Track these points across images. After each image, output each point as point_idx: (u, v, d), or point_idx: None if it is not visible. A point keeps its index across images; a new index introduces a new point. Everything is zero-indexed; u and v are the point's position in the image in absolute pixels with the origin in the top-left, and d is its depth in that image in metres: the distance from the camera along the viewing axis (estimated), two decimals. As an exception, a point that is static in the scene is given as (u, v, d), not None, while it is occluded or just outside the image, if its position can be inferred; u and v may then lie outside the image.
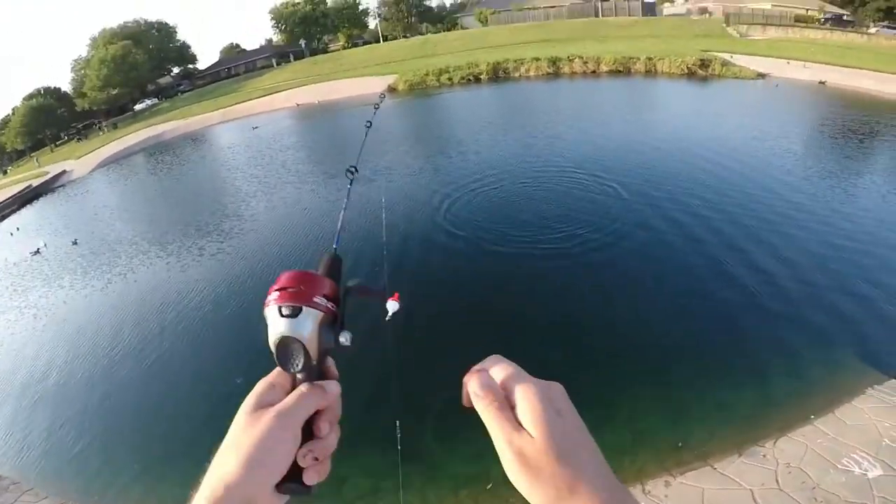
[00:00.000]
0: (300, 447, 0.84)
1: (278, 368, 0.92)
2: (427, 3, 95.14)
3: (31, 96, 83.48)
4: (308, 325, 0.88)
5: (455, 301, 11.65)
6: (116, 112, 73.18)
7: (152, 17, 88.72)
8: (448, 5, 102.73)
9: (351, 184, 1.19)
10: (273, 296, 0.89)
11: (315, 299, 0.90)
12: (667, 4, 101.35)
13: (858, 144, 21.44)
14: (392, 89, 47.16)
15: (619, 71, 43.76)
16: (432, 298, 11.57)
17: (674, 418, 7.96)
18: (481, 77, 46.48)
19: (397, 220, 15.67)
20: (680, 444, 7.57)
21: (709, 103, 31.59)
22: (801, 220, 13.76)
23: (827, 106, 30.25)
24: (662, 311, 10.56)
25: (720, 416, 7.91)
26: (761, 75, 39.36)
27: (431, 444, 8.01)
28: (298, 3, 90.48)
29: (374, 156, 23.36)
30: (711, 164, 18.11)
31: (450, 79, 46.64)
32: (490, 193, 16.82)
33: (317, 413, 0.88)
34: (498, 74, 46.65)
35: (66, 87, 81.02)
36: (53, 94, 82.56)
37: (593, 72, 44.54)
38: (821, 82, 36.47)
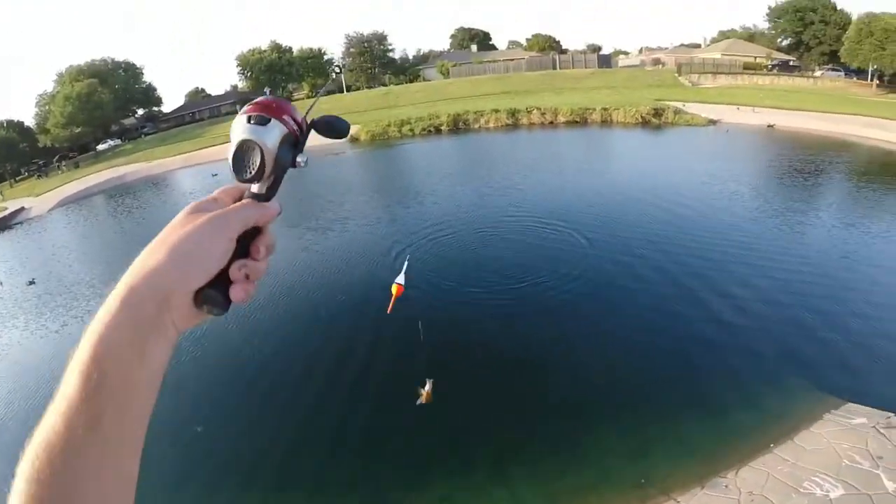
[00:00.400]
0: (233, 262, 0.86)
1: (223, 186, 0.97)
2: (390, 54, 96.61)
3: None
4: (273, 136, 0.93)
5: (411, 356, 11.24)
6: (79, 151, 72.44)
7: (120, 57, 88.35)
8: (410, 57, 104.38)
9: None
10: (245, 108, 0.95)
11: (284, 117, 0.96)
12: (621, 57, 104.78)
13: (804, 182, 22.77)
14: (354, 139, 47.63)
15: (576, 121, 44.95)
16: (391, 350, 11.63)
17: (636, 455, 8.11)
18: (442, 128, 47.16)
19: (351, 271, 15.92)
20: (643, 481, 7.76)
21: (662, 150, 32.89)
22: (749, 258, 14.42)
23: (775, 148, 31.93)
24: (621, 351, 10.83)
25: (682, 451, 8.12)
26: (712, 121, 41.02)
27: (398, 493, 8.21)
28: (265, 51, 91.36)
29: (334, 206, 23.72)
30: (664, 209, 18.81)
31: (411, 130, 47.17)
32: (446, 243, 17.09)
33: (255, 235, 0.90)
34: (458, 126, 47.49)
35: (30, 121, 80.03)
36: (16, 127, 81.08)
37: (551, 122, 45.65)
38: (769, 125, 38.39)
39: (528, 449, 8.28)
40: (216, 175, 38.90)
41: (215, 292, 0.82)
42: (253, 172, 0.91)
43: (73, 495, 0.65)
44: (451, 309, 13.06)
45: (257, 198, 0.93)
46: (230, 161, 0.92)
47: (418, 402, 3.32)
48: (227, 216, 0.84)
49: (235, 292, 0.84)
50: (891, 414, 8.04)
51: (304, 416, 9.88)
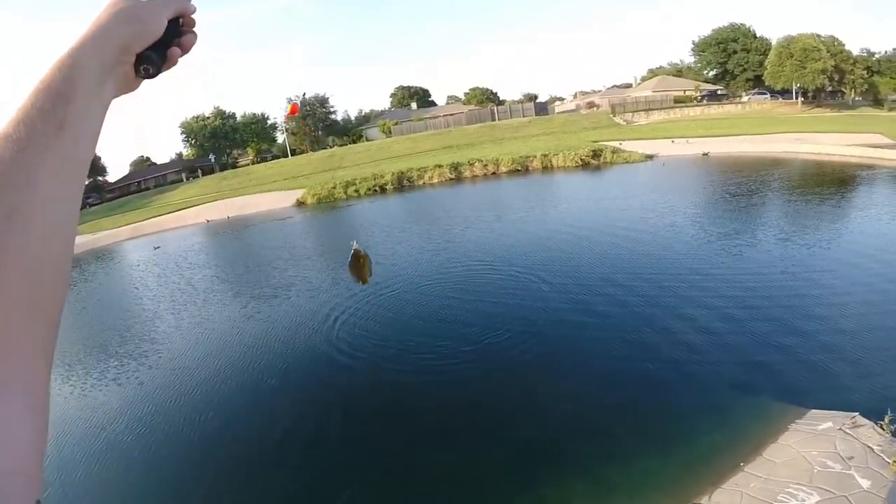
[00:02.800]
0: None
1: None
2: (332, 116, 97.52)
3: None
4: None
5: (363, 420, 11.31)
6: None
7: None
8: (353, 118, 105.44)
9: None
10: None
11: None
12: (557, 103, 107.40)
13: (739, 204, 23.73)
14: (301, 203, 47.79)
15: (518, 170, 46.04)
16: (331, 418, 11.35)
17: (603, 495, 7.92)
18: (387, 187, 47.58)
19: (292, 339, 15.77)
20: None
21: (601, 190, 33.48)
22: (694, 282, 14.89)
23: (711, 175, 33.27)
24: (577, 387, 10.84)
25: (650, 483, 7.95)
26: (649, 156, 42.64)
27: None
28: (209, 118, 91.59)
29: (278, 272, 23.87)
30: (609, 245, 19.34)
31: (356, 190, 47.49)
32: (390, 303, 17.07)
33: (177, 25, 1.04)
34: (403, 183, 47.97)
35: None
36: None
37: (493, 173, 46.66)
38: (704, 154, 40.45)
39: (490, 490, 8.28)
40: (158, 247, 38.62)
41: (154, 54, 0.97)
42: None
43: (28, 185, 0.70)
44: (394, 373, 12.85)
45: None
46: None
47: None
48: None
49: (172, 52, 1.02)
50: (855, 414, 8.17)
51: (255, 490, 9.78)
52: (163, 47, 0.99)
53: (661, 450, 8.53)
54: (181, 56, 1.04)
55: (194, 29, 1.08)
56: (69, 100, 0.78)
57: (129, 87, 0.98)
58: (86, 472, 11.32)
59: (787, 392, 9.43)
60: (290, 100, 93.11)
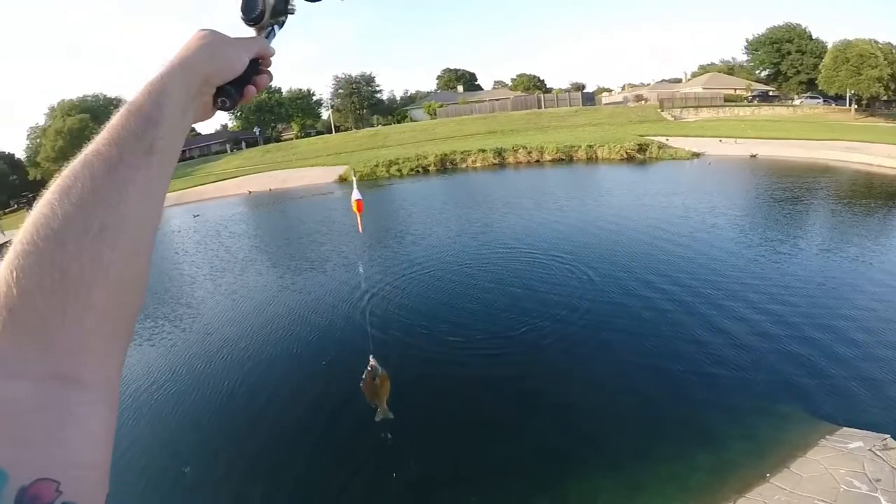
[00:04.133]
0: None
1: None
2: (378, 95, 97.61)
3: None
4: None
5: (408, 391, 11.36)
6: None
7: (112, 93, 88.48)
8: (398, 98, 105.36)
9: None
10: None
11: None
12: (605, 94, 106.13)
13: (791, 211, 22.89)
14: (342, 179, 47.93)
15: (562, 159, 45.45)
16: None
17: (629, 495, 7.87)
18: (429, 168, 47.53)
19: (325, 313, 15.79)
20: None
21: (644, 185, 32.77)
22: (730, 288, 14.48)
23: (758, 177, 32.24)
24: (608, 387, 10.66)
25: (676, 487, 7.89)
26: (696, 154, 41.49)
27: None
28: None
29: (315, 246, 24.22)
30: (645, 242, 19.00)
31: (399, 170, 47.51)
32: (424, 283, 17.13)
33: (257, 63, 1.11)
34: (445, 166, 47.87)
35: (21, 154, 79.73)
36: (7, 159, 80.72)
37: (537, 161, 46.20)
38: (752, 156, 39.24)
39: (515, 493, 8.13)
40: (197, 216, 39.27)
41: (233, 89, 1.03)
42: (255, 14, 1.15)
43: (121, 202, 0.73)
44: (426, 351, 12.81)
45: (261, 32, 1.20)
46: (240, 4, 1.17)
47: (378, 416, 2.81)
48: (250, 40, 1.10)
49: (249, 90, 1.07)
50: (886, 436, 7.97)
51: (279, 457, 9.77)
52: (241, 83, 1.06)
53: (689, 454, 8.43)
54: (255, 94, 1.11)
55: (270, 70, 1.16)
56: (158, 124, 0.82)
57: (206, 115, 1.04)
58: (143, 411, 11.66)
59: (819, 407, 9.23)
60: (336, 77, 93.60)
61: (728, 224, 21.06)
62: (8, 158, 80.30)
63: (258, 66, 1.11)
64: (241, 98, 1.06)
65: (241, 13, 1.16)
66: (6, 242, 40.02)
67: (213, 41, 0.98)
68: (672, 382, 10.55)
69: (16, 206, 64.97)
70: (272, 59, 1.17)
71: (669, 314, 13.40)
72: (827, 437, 8.27)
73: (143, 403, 12.21)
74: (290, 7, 1.23)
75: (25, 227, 0.69)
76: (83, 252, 0.68)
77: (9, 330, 0.62)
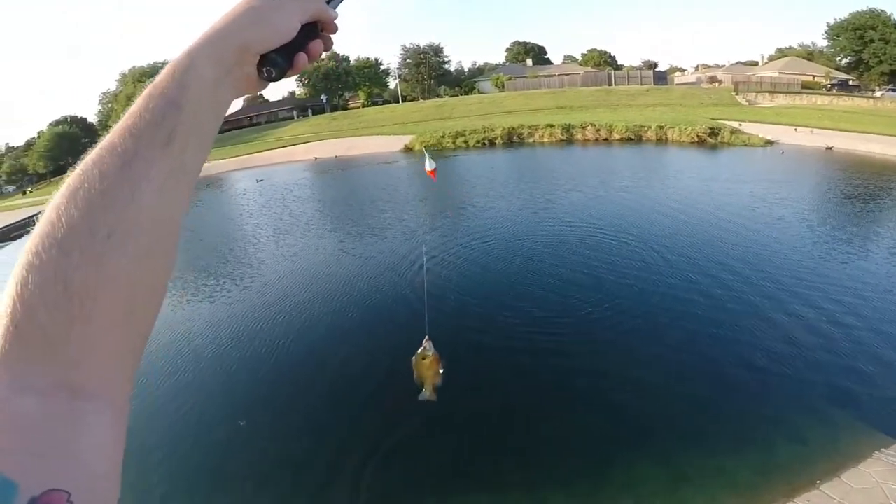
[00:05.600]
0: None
1: None
2: (445, 66, 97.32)
3: (57, 123, 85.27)
4: None
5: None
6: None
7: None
8: (466, 70, 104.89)
9: None
10: None
11: None
12: (677, 74, 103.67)
13: (862, 210, 21.94)
14: (408, 149, 48.28)
15: (631, 139, 44.51)
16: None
17: (674, 485, 7.82)
18: (496, 141, 47.20)
19: (381, 279, 15.92)
20: None
21: (715, 171, 31.89)
22: (791, 285, 14.02)
23: (832, 171, 30.98)
24: (661, 375, 10.51)
25: (722, 482, 7.82)
26: (769, 142, 40.09)
27: None
28: (322, 60, 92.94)
29: (377, 212, 24.60)
30: (708, 230, 18.57)
31: (465, 142, 47.32)
32: (480, 257, 17.15)
33: (312, 30, 0.99)
34: (512, 139, 47.48)
35: (93, 118, 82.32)
36: (79, 123, 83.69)
37: (605, 139, 45.38)
38: (828, 148, 37.38)
39: (561, 473, 8.11)
40: (261, 181, 40.14)
41: (280, 57, 0.91)
42: None
43: (132, 202, 0.67)
44: (491, 325, 12.89)
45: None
46: None
47: (422, 396, 2.74)
48: (306, 1, 0.94)
49: (301, 60, 0.95)
50: None
51: (326, 417, 10.01)
52: (291, 51, 0.93)
53: (738, 452, 8.33)
54: (309, 63, 0.98)
55: (331, 36, 1.04)
56: (181, 108, 0.75)
57: (250, 88, 0.94)
58: (170, 374, 12.08)
59: (875, 418, 8.90)
60: (404, 47, 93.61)
61: (796, 217, 20.29)
62: (81, 122, 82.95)
63: (316, 30, 0.99)
64: (290, 68, 0.94)
65: None
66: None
67: (260, 5, 0.87)
68: (725, 377, 10.40)
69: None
70: (335, 23, 1.03)
71: (725, 306, 13.13)
72: (882, 449, 8.05)
73: (205, 357, 12.68)
74: None
75: (33, 234, 0.65)
76: (88, 261, 0.64)
77: (15, 344, 0.61)
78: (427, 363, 3.32)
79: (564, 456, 8.49)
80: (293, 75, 0.96)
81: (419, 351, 3.33)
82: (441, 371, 3.53)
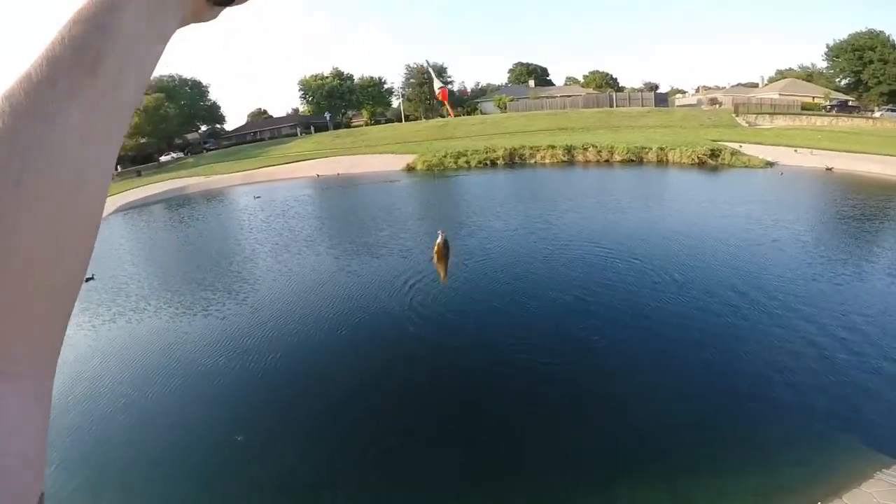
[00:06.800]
0: None
1: None
2: (449, 86, 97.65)
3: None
4: None
5: (438, 386, 11.50)
6: (141, 160, 74.99)
7: (187, 74, 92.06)
8: (469, 90, 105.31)
9: None
10: None
11: None
12: (678, 95, 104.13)
13: (855, 229, 22.00)
14: (410, 168, 48.57)
15: (632, 160, 44.70)
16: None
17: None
18: (498, 161, 47.46)
19: (376, 297, 16.00)
20: None
21: (713, 193, 31.99)
22: (787, 304, 14.08)
23: (831, 192, 30.99)
24: (664, 395, 10.57)
25: (724, 503, 7.86)
26: (769, 164, 40.26)
27: None
28: (327, 78, 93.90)
29: (374, 230, 24.64)
30: (718, 253, 18.55)
31: (467, 162, 47.58)
32: (472, 277, 17.35)
33: None
34: (514, 160, 47.76)
35: None
36: None
37: (606, 160, 45.54)
38: (828, 168, 37.53)
39: (564, 491, 8.13)
40: (258, 197, 40.44)
41: None
42: None
43: (46, 140, 0.56)
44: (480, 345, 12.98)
45: None
46: None
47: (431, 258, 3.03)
48: None
49: None
50: None
51: (321, 427, 10.21)
52: None
53: (740, 471, 8.37)
54: None
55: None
56: (107, 32, 0.62)
57: (200, 16, 0.78)
58: (163, 384, 12.37)
59: (877, 439, 8.95)
60: (408, 66, 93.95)
61: (790, 238, 20.40)
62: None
63: None
64: None
65: None
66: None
67: None
68: (728, 397, 10.40)
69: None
70: None
71: (721, 326, 13.22)
72: (883, 470, 8.13)
73: (195, 371, 12.85)
74: None
75: None
76: None
77: None
78: (436, 249, 3.71)
79: (567, 474, 8.52)
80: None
81: (439, 241, 3.73)
82: (449, 257, 3.93)
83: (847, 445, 8.86)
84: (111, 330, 16.13)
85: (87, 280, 21.54)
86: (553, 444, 9.35)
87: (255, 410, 10.97)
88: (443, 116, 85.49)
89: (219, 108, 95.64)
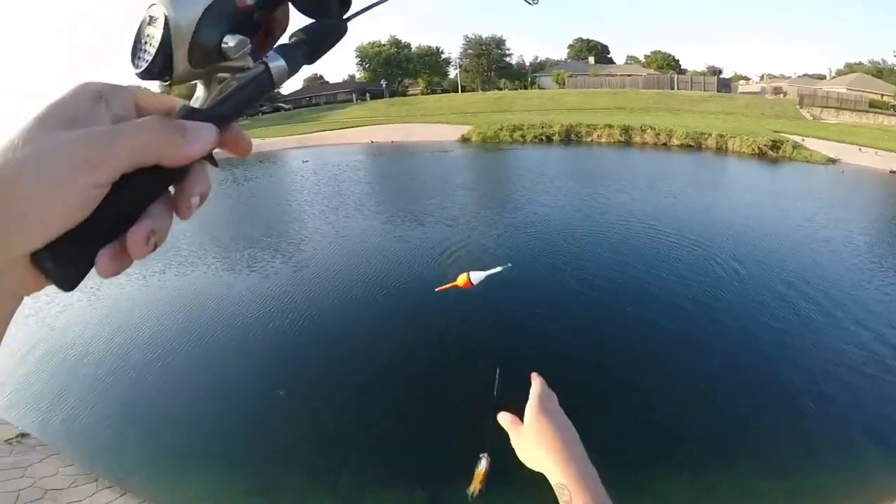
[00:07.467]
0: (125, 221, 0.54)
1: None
2: (507, 59, 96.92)
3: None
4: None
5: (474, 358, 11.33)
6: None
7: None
8: (527, 64, 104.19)
9: None
10: None
11: None
12: (742, 82, 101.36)
13: None
14: (465, 139, 48.37)
15: (690, 145, 43.72)
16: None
17: (698, 497, 7.90)
18: (553, 137, 46.91)
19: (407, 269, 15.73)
20: None
21: (775, 186, 31.40)
22: (848, 315, 13.55)
23: (892, 196, 30.09)
24: (693, 387, 10.52)
25: (751, 502, 7.86)
26: (832, 160, 38.84)
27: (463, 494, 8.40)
28: (384, 45, 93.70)
29: (423, 198, 24.85)
30: (766, 247, 18.21)
31: (522, 136, 47.13)
32: (516, 249, 17.56)
33: (168, 177, 0.58)
34: (570, 137, 47.17)
35: (155, 87, 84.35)
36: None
37: (664, 144, 44.70)
38: (892, 171, 35.91)
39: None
40: (306, 161, 40.79)
41: (53, 262, 0.51)
42: (148, 60, 0.57)
43: None
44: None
45: (193, 116, 0.60)
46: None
47: (470, 491, 2.71)
48: (104, 141, 0.51)
49: (107, 264, 0.54)
50: None
51: (358, 385, 10.56)
52: (89, 238, 0.53)
53: (769, 474, 8.31)
54: (119, 270, 0.56)
55: (199, 191, 0.67)
56: None
57: (35, 288, 0.54)
58: (206, 338, 12.76)
59: None
60: (466, 37, 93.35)
61: (842, 239, 19.76)
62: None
63: (153, 186, 0.57)
64: (75, 277, 0.53)
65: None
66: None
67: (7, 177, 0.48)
68: (759, 398, 10.27)
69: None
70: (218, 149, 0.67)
71: (762, 321, 13.05)
72: None
73: (241, 327, 13.20)
74: (226, 44, 0.59)
75: None
76: None
77: None
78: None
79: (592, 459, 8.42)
80: (110, 273, 0.54)
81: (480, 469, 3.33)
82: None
83: (882, 461, 8.70)
84: (161, 280, 16.72)
85: None
86: (577, 427, 9.32)
87: (298, 368, 11.30)
88: (500, 89, 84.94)
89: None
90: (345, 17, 0.65)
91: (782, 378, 10.90)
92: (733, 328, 12.84)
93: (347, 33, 0.67)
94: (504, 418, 1.37)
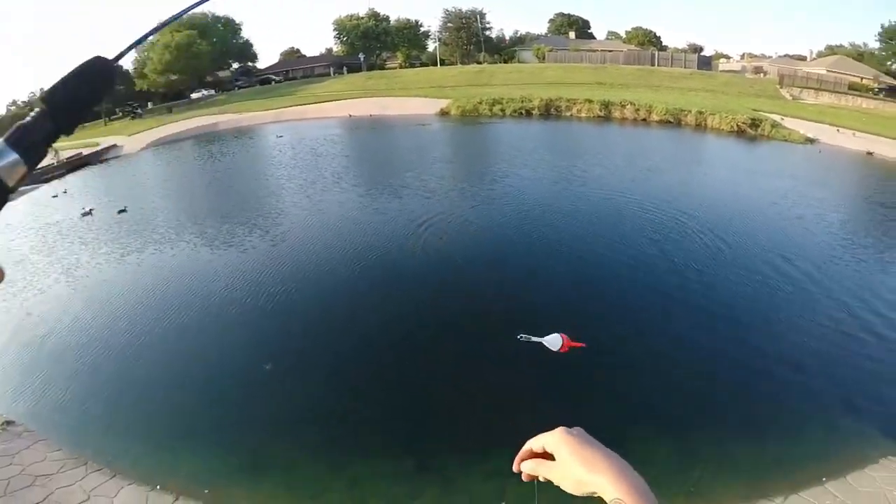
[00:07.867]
0: None
1: None
2: (487, 32, 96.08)
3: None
4: None
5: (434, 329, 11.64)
6: (172, 97, 74.91)
7: (221, 12, 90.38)
8: (507, 38, 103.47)
9: None
10: None
11: None
12: (722, 60, 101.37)
13: (884, 217, 21.27)
14: (444, 113, 48.06)
15: (670, 122, 43.58)
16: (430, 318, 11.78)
17: (686, 467, 8.05)
18: (533, 112, 46.65)
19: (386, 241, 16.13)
20: (692, 489, 7.69)
21: (753, 163, 31.48)
22: (827, 291, 13.70)
23: (868, 177, 30.20)
24: (682, 365, 10.55)
25: (731, 467, 8.08)
26: (810, 140, 38.89)
27: (448, 458, 8.34)
28: (362, 18, 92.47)
29: (400, 171, 25.06)
30: (742, 224, 18.22)
31: (502, 110, 46.93)
32: (490, 220, 17.68)
33: None
34: (549, 111, 46.91)
35: (129, 65, 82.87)
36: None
37: (644, 120, 44.51)
38: (868, 153, 36.13)
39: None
40: (280, 136, 40.37)
41: None
42: None
43: None
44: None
45: None
46: None
47: None
48: None
49: None
50: None
51: (342, 355, 10.64)
52: None
53: (750, 441, 8.62)
54: None
55: None
56: None
57: None
58: (187, 317, 12.70)
59: (885, 427, 9.02)
60: (446, 10, 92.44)
61: (814, 217, 19.87)
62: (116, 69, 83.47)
63: None
64: None
65: None
66: (111, 146, 42.20)
67: None
68: (750, 369, 10.44)
69: (120, 113, 67.09)
70: None
71: (731, 294, 13.30)
72: (889, 456, 8.35)
73: (221, 303, 13.12)
74: None
75: None
76: None
77: None
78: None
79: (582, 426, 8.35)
80: None
81: None
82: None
83: (856, 430, 8.97)
84: (139, 258, 16.55)
85: (121, 212, 22.25)
86: (568, 408, 9.19)
87: (282, 341, 11.23)
88: (479, 63, 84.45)
89: (251, 45, 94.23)
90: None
91: (757, 347, 11.04)
92: (710, 300, 12.89)
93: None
94: (529, 465, 1.26)
